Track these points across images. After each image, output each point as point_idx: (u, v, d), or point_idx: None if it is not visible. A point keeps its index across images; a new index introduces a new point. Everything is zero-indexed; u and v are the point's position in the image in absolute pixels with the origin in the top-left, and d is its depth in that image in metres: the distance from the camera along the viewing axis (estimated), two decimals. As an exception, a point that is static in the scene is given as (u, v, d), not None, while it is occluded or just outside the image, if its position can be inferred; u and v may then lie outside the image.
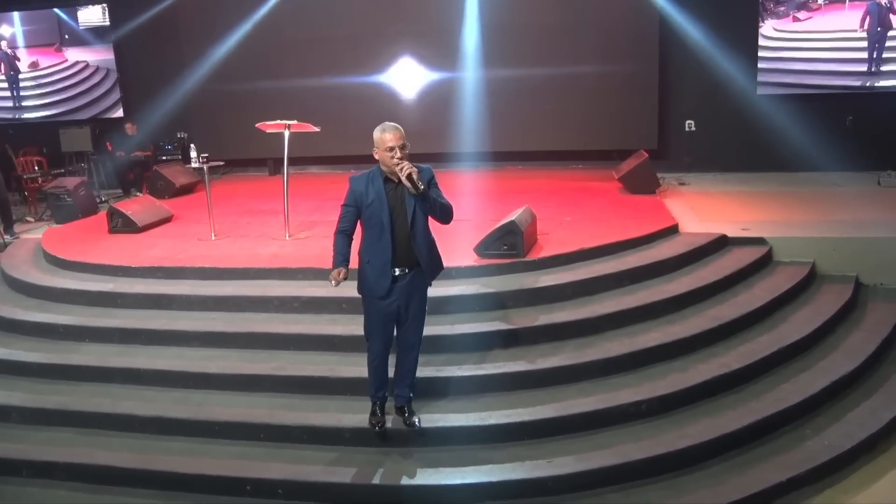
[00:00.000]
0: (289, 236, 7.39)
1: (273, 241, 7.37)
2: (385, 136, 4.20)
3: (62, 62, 13.11)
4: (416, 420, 4.69)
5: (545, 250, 6.51)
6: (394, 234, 4.30)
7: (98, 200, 10.70)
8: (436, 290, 5.73)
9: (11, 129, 12.90)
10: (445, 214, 4.37)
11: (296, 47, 11.81)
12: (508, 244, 6.17)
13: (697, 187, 10.08)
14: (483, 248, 6.25)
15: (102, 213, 8.81)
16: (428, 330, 5.33)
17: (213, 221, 7.68)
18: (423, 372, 4.99)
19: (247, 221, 8.34)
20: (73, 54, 13.04)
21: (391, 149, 4.17)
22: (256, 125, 7.47)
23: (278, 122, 7.21)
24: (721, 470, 4.53)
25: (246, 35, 11.74)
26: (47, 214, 10.03)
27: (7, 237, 8.99)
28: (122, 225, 8.16)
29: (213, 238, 7.55)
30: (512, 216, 6.33)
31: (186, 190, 10.71)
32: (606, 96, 11.20)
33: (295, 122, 7.16)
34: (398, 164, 4.14)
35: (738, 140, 11.05)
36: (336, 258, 4.36)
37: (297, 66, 11.83)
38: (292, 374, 5.18)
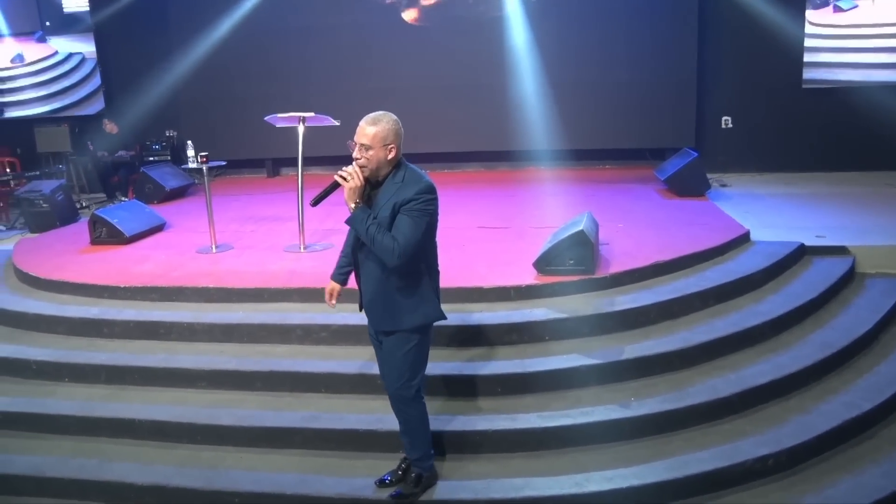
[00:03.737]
0: (304, 248, 6.32)
1: (286, 253, 6.33)
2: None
3: (51, 54, 11.89)
4: (402, 490, 3.73)
5: (613, 264, 5.53)
6: (355, 254, 3.53)
7: (79, 206, 9.59)
8: (495, 314, 4.83)
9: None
10: (380, 252, 3.26)
11: (298, 35, 10.71)
12: (576, 258, 5.17)
13: (740, 188, 9.24)
14: (545, 263, 5.24)
15: (84, 222, 7.72)
16: (494, 367, 4.40)
17: (214, 230, 6.59)
18: (494, 422, 4.03)
19: (251, 230, 7.27)
20: (58, 44, 11.85)
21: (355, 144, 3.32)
22: (266, 118, 6.41)
23: (291, 114, 6.14)
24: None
25: (241, 22, 10.65)
26: (20, 222, 8.91)
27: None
28: (106, 235, 7.08)
29: (215, 250, 6.47)
30: (577, 224, 5.34)
31: (178, 194, 9.66)
32: (639, 91, 10.25)
33: (312, 114, 6.09)
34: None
35: (779, 138, 10.23)
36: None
37: (300, 56, 10.77)
38: (329, 427, 4.12)
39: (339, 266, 3.72)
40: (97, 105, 11.80)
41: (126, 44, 11.36)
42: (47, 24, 11.70)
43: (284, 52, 10.77)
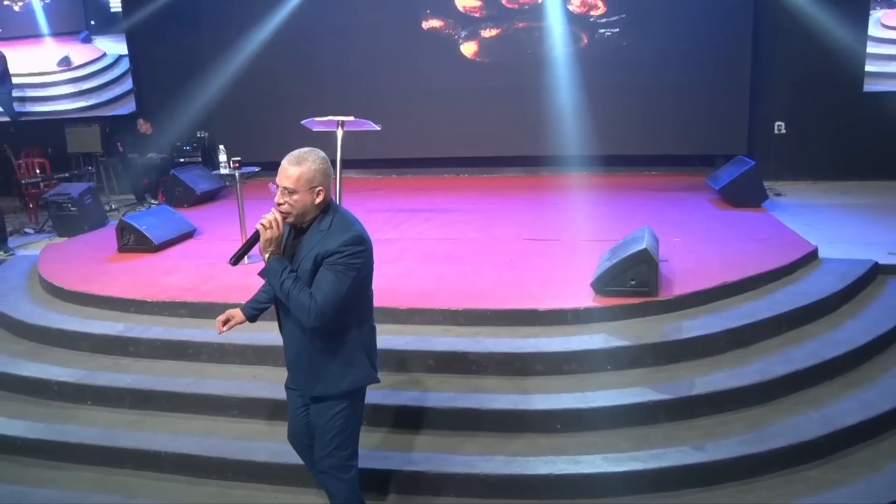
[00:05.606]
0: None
1: (322, 266, 5.94)
2: None
3: (99, 57, 11.50)
4: None
5: (676, 284, 5.09)
6: (278, 305, 3.04)
7: (107, 209, 9.35)
8: (551, 340, 4.44)
9: (13, 127, 11.50)
10: (295, 310, 2.82)
11: (333, 36, 10.42)
12: (638, 279, 4.75)
13: (795, 198, 8.74)
14: (604, 284, 4.83)
15: (112, 226, 7.44)
16: (552, 400, 4.00)
17: (246, 239, 6.22)
18: (554, 464, 3.66)
19: (284, 239, 6.91)
20: (103, 44, 11.49)
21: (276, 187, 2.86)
22: (303, 122, 6.05)
23: (329, 117, 5.78)
24: None
25: (274, 22, 10.33)
26: (49, 225, 8.68)
27: (1, 254, 7.65)
28: (134, 242, 6.78)
29: (247, 261, 6.11)
30: (639, 242, 4.91)
31: (208, 197, 9.37)
32: (689, 95, 9.80)
33: (351, 118, 5.72)
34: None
35: (836, 144, 9.66)
36: None
37: (334, 56, 10.46)
38: (373, 467, 3.72)
39: (256, 300, 3.27)
40: (128, 106, 11.56)
41: (158, 44, 11.09)
42: (92, 23, 11.39)
43: (318, 52, 10.48)
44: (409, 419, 4.09)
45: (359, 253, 2.82)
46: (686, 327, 4.63)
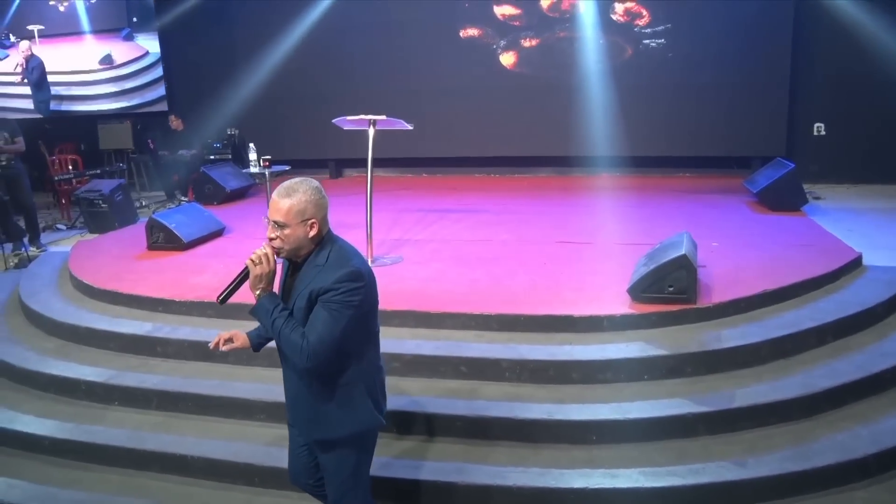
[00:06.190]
0: (372, 261, 5.87)
1: (352, 267, 5.83)
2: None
3: (142, 55, 11.45)
4: None
5: (714, 291, 4.92)
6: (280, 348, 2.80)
7: (138, 205, 9.37)
8: (586, 348, 4.30)
9: (48, 123, 11.59)
10: (287, 350, 2.66)
11: (364, 34, 10.36)
12: (676, 285, 4.59)
13: (835, 202, 8.50)
14: (640, 290, 4.68)
15: (142, 223, 7.44)
16: (588, 411, 3.87)
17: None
18: (590, 478, 3.54)
19: (314, 238, 6.85)
20: (145, 42, 11.48)
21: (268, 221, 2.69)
22: (334, 121, 5.97)
23: (361, 116, 5.69)
24: None
25: (305, 19, 10.28)
26: (80, 222, 8.73)
27: (32, 249, 7.69)
28: (163, 240, 6.76)
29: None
30: (678, 247, 4.76)
31: (238, 195, 9.36)
32: (726, 95, 9.58)
33: (383, 117, 5.63)
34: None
35: (878, 146, 9.39)
36: None
37: (365, 54, 10.40)
38: (404, 477, 3.63)
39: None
40: (147, 97, 11.56)
41: (189, 42, 11.11)
42: (134, 20, 11.37)
43: (349, 50, 10.42)
44: (441, 427, 3.99)
45: (356, 290, 2.61)
46: (726, 336, 4.46)
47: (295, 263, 2.74)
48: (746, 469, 3.62)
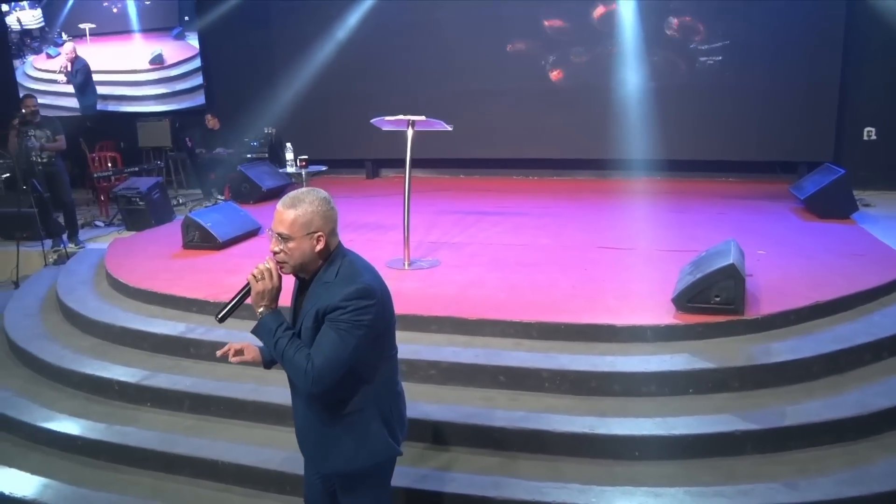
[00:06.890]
0: (408, 264, 5.77)
1: (388, 270, 5.70)
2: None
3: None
4: None
5: (763, 302, 4.73)
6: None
7: (174, 203, 9.41)
8: (629, 359, 4.15)
9: (89, 121, 11.72)
10: (291, 373, 2.47)
11: (402, 33, 10.26)
12: (723, 295, 4.41)
13: (886, 209, 8.18)
14: (686, 299, 4.50)
15: (179, 221, 7.44)
16: (630, 425, 3.73)
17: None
18: (633, 496, 3.41)
19: (349, 239, 6.71)
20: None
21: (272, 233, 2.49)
22: (372, 121, 5.89)
23: (399, 117, 5.59)
24: None
25: (344, 19, 10.27)
26: (118, 219, 8.79)
27: (71, 246, 7.75)
28: (199, 239, 6.74)
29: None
30: (725, 256, 4.58)
31: (274, 194, 9.28)
32: (772, 98, 9.27)
33: (422, 117, 5.53)
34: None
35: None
36: None
37: (403, 54, 10.30)
38: (438, 490, 3.51)
39: None
40: (197, 100, 11.64)
41: (228, 40, 11.12)
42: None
43: (387, 49, 10.32)
44: (476, 438, 3.85)
45: (366, 308, 2.40)
46: (775, 350, 4.27)
47: (303, 281, 2.56)
48: (798, 492, 3.43)
